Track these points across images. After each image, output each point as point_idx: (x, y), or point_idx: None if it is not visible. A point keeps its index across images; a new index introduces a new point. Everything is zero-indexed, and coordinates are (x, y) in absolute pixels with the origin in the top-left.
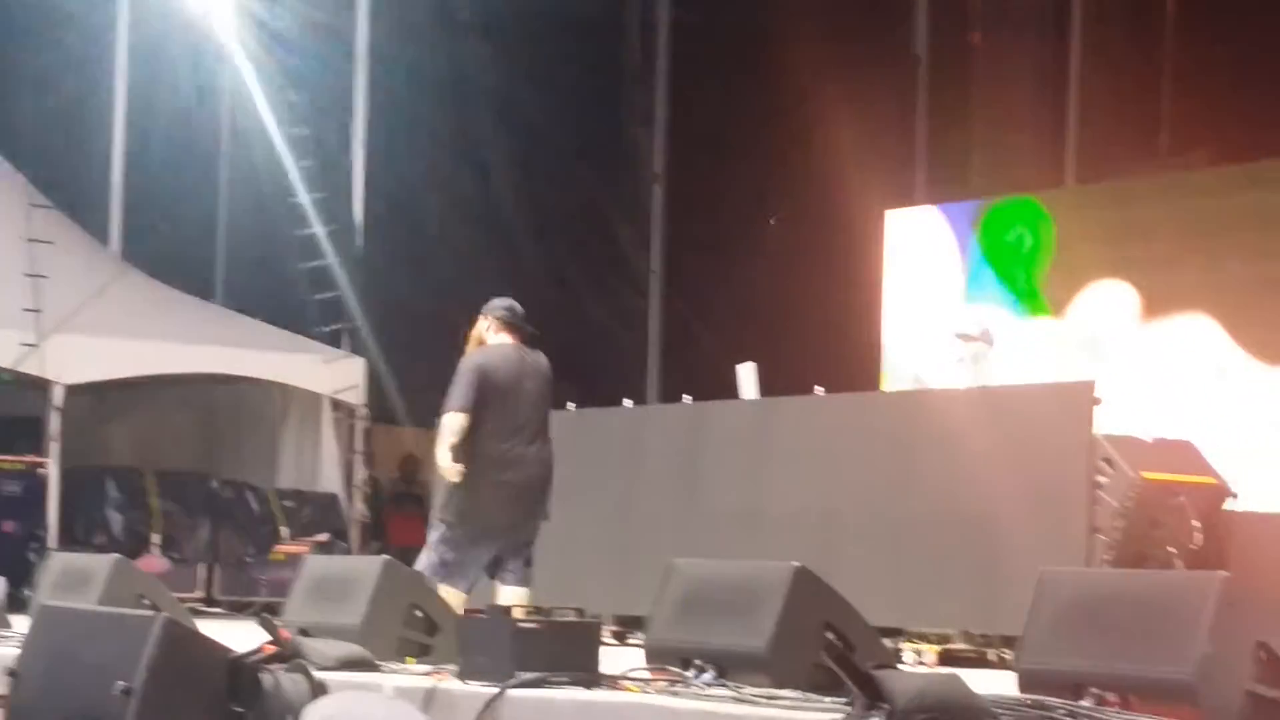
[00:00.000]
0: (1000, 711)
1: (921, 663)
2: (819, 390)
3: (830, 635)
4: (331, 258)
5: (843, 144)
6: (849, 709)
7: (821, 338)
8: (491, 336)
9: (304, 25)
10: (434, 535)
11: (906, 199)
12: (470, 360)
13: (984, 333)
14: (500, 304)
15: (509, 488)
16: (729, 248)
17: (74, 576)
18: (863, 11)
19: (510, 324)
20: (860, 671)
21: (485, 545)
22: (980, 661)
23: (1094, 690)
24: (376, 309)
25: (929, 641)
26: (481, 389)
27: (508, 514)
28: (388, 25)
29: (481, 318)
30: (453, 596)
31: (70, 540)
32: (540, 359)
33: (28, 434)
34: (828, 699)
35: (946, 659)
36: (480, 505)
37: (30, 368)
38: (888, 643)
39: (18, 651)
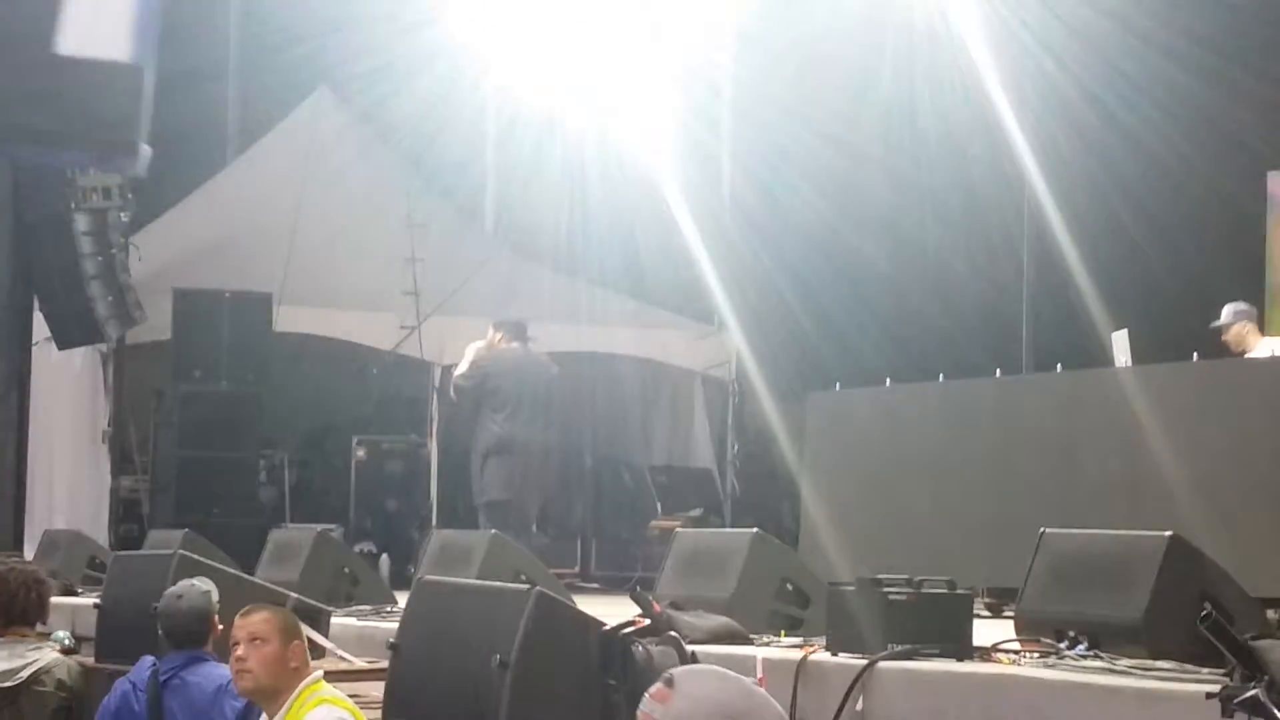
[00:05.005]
0: None
1: None
2: (1195, 356)
3: (1207, 605)
4: (698, 235)
5: (1220, 103)
6: (1227, 680)
7: (1199, 303)
8: None
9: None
10: None
11: None
12: None
13: (1235, 312)
14: None
15: None
16: (1101, 214)
17: (453, 552)
18: None
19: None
20: (1238, 642)
21: None
22: None
23: None
24: (743, 286)
25: None
26: None
27: None
28: (755, 8)
29: None
30: None
31: (451, 518)
32: None
33: (410, 415)
34: (1205, 670)
35: None
36: None
37: (410, 349)
38: (1273, 614)
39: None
